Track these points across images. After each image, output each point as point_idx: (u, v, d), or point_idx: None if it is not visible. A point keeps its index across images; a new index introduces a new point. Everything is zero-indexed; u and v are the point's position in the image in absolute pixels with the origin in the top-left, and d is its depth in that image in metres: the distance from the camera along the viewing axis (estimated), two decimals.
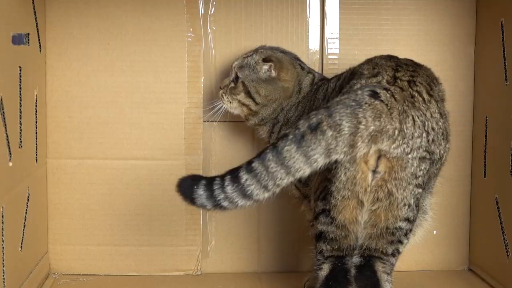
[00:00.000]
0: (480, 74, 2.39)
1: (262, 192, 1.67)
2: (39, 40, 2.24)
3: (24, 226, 2.09)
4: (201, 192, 1.71)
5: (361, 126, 1.64)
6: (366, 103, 1.66)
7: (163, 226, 2.39)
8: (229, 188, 1.68)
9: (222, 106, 2.22)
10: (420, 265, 2.46)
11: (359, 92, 1.70)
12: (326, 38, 2.39)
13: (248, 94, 2.17)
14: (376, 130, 1.65)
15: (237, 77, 2.18)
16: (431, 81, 1.85)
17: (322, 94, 2.11)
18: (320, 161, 1.65)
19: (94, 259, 2.38)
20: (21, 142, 2.04)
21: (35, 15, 2.19)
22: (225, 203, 1.69)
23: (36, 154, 2.23)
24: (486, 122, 2.32)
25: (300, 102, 2.17)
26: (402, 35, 2.40)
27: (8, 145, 1.93)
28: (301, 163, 1.65)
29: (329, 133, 1.63)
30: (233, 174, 1.69)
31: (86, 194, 2.36)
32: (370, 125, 1.65)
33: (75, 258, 2.38)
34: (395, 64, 1.85)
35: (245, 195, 1.68)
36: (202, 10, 2.36)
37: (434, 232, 2.41)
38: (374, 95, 1.69)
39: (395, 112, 1.67)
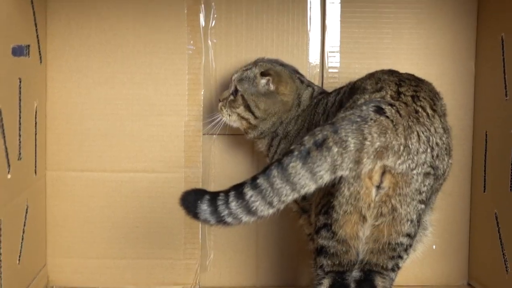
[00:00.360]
0: (480, 88, 2.39)
1: (267, 208, 1.65)
2: (39, 51, 2.24)
3: (23, 238, 2.08)
4: (204, 207, 1.69)
5: (367, 142, 1.63)
6: (371, 119, 1.65)
7: (162, 239, 2.38)
8: (233, 204, 1.66)
9: (222, 119, 2.22)
10: (419, 280, 2.46)
11: (364, 107, 1.69)
12: (327, 52, 2.40)
13: (248, 107, 2.17)
14: (382, 146, 1.64)
15: (236, 90, 2.18)
16: (434, 96, 1.85)
17: (322, 108, 2.10)
18: (325, 178, 1.64)
19: (92, 272, 2.37)
20: (20, 154, 2.04)
21: (36, 26, 2.19)
22: (229, 219, 1.68)
23: (35, 166, 2.22)
24: (486, 137, 2.32)
25: (300, 116, 2.17)
26: (402, 49, 2.40)
27: (7, 157, 1.92)
28: (307, 179, 1.63)
29: (335, 149, 1.62)
30: (238, 190, 1.67)
31: (85, 207, 2.36)
32: (375, 141, 1.64)
33: (73, 271, 2.37)
34: (398, 79, 1.85)
35: (250, 211, 1.66)
36: (203, 22, 2.36)
37: (434, 247, 2.41)
38: (379, 110, 1.68)
39: (400, 127, 1.67)
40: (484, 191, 2.33)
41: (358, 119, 1.65)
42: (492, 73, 2.29)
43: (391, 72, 1.93)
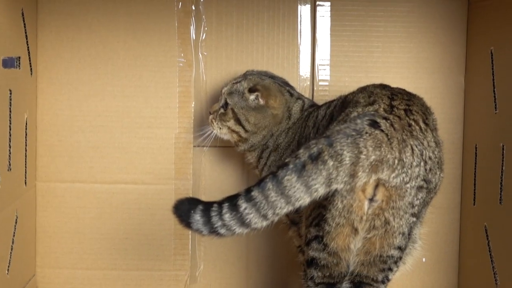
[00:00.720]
0: (470, 102, 2.40)
1: (261, 221, 1.64)
2: (30, 63, 2.25)
3: (12, 248, 2.09)
4: (198, 218, 1.68)
5: (362, 156, 1.63)
6: (366, 133, 1.65)
7: (151, 250, 2.38)
8: (227, 216, 1.65)
9: (212, 131, 2.22)
10: None
11: (359, 121, 1.68)
12: (317, 65, 2.40)
13: (238, 121, 2.17)
14: (377, 159, 1.64)
15: (226, 103, 2.18)
16: (425, 110, 1.85)
17: (312, 121, 2.11)
18: (320, 191, 1.63)
19: (82, 283, 2.38)
20: (9, 165, 2.04)
21: (26, 38, 2.20)
22: (222, 231, 1.67)
23: (25, 177, 2.23)
24: (476, 150, 2.32)
25: (290, 128, 2.17)
26: (392, 62, 2.41)
27: None
28: (302, 192, 1.62)
29: (330, 163, 1.62)
30: (232, 202, 1.66)
31: (75, 218, 2.36)
32: (371, 155, 1.63)
33: (63, 282, 2.38)
34: (390, 92, 1.85)
35: (244, 223, 1.65)
36: (193, 35, 2.37)
37: (423, 259, 2.41)
38: (374, 124, 1.67)
39: (395, 141, 1.66)
40: (474, 204, 2.33)
41: (353, 133, 1.65)
42: (481, 87, 2.29)
43: (383, 86, 1.93)
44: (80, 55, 2.34)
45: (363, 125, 1.67)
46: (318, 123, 2.07)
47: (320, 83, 2.40)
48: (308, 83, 2.40)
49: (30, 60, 2.25)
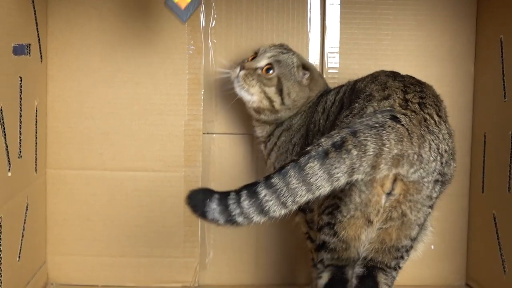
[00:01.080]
0: (479, 90, 2.40)
1: (280, 208, 1.62)
2: (40, 50, 2.25)
3: (23, 236, 2.09)
4: (214, 206, 1.65)
5: (385, 148, 1.62)
6: (389, 126, 1.64)
7: (161, 237, 2.39)
8: (246, 203, 1.62)
9: (238, 84, 2.13)
10: (417, 280, 2.46)
11: (379, 115, 1.67)
12: (326, 52, 2.40)
13: (280, 92, 2.12)
14: (398, 154, 1.63)
15: (271, 68, 2.12)
16: (437, 101, 1.84)
17: (322, 107, 2.10)
18: (342, 180, 1.62)
19: (92, 270, 2.39)
20: (20, 152, 2.05)
21: (36, 25, 2.20)
22: (239, 219, 1.64)
23: (36, 165, 2.23)
24: (485, 138, 2.32)
25: (305, 112, 2.17)
26: (401, 50, 2.40)
27: (8, 155, 1.93)
28: (323, 180, 1.61)
29: (354, 152, 1.61)
30: (250, 189, 1.64)
31: (85, 205, 2.37)
32: (393, 148, 1.63)
33: (73, 269, 2.38)
34: (403, 84, 1.83)
35: (262, 211, 1.63)
36: (203, 23, 2.37)
37: (432, 247, 2.41)
38: (395, 118, 1.67)
39: (415, 136, 1.66)
40: (483, 192, 2.34)
41: (376, 125, 1.64)
42: (491, 75, 2.29)
43: (394, 76, 1.92)
44: (90, 42, 2.34)
45: (384, 118, 1.66)
46: (327, 109, 2.06)
47: (330, 70, 2.40)
48: (318, 70, 2.39)
49: (40, 47, 2.24)
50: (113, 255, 2.38)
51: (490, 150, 2.30)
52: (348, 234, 1.74)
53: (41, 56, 2.27)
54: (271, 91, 2.12)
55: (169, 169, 2.37)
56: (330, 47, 2.40)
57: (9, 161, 1.94)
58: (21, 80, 2.04)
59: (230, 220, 1.65)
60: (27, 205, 2.13)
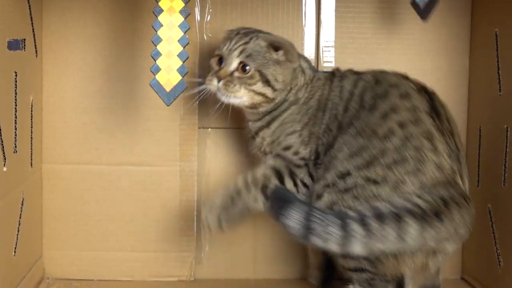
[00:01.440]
0: (474, 84, 2.40)
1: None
2: (35, 45, 2.24)
3: (18, 231, 2.09)
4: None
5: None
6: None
7: (157, 232, 2.39)
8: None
9: (223, 97, 2.05)
10: None
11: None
12: (322, 46, 2.40)
13: (267, 82, 2.06)
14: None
15: (245, 65, 2.05)
16: (448, 112, 2.01)
17: (338, 91, 2.09)
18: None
19: (88, 264, 2.39)
20: (16, 147, 2.05)
21: (31, 20, 2.19)
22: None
23: (31, 159, 2.23)
24: (480, 132, 2.33)
25: (309, 85, 2.14)
26: (397, 44, 2.40)
27: (3, 150, 1.93)
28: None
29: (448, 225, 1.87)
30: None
31: (80, 200, 2.37)
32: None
33: (69, 263, 2.38)
34: (429, 105, 1.96)
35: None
36: (198, 17, 2.36)
37: None
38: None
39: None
40: (478, 186, 2.34)
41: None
42: (486, 68, 2.29)
43: (415, 87, 2.00)
44: (85, 36, 2.33)
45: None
46: (344, 99, 2.05)
47: (325, 64, 2.40)
48: (313, 64, 2.39)
49: (35, 42, 2.24)
50: (109, 250, 2.39)
51: (485, 144, 2.30)
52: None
53: (36, 51, 2.26)
54: (259, 86, 2.06)
55: (164, 164, 2.37)
56: (325, 41, 2.40)
57: (4, 156, 1.94)
58: (16, 75, 2.04)
59: (306, 235, 1.80)
60: (23, 200, 2.13)
